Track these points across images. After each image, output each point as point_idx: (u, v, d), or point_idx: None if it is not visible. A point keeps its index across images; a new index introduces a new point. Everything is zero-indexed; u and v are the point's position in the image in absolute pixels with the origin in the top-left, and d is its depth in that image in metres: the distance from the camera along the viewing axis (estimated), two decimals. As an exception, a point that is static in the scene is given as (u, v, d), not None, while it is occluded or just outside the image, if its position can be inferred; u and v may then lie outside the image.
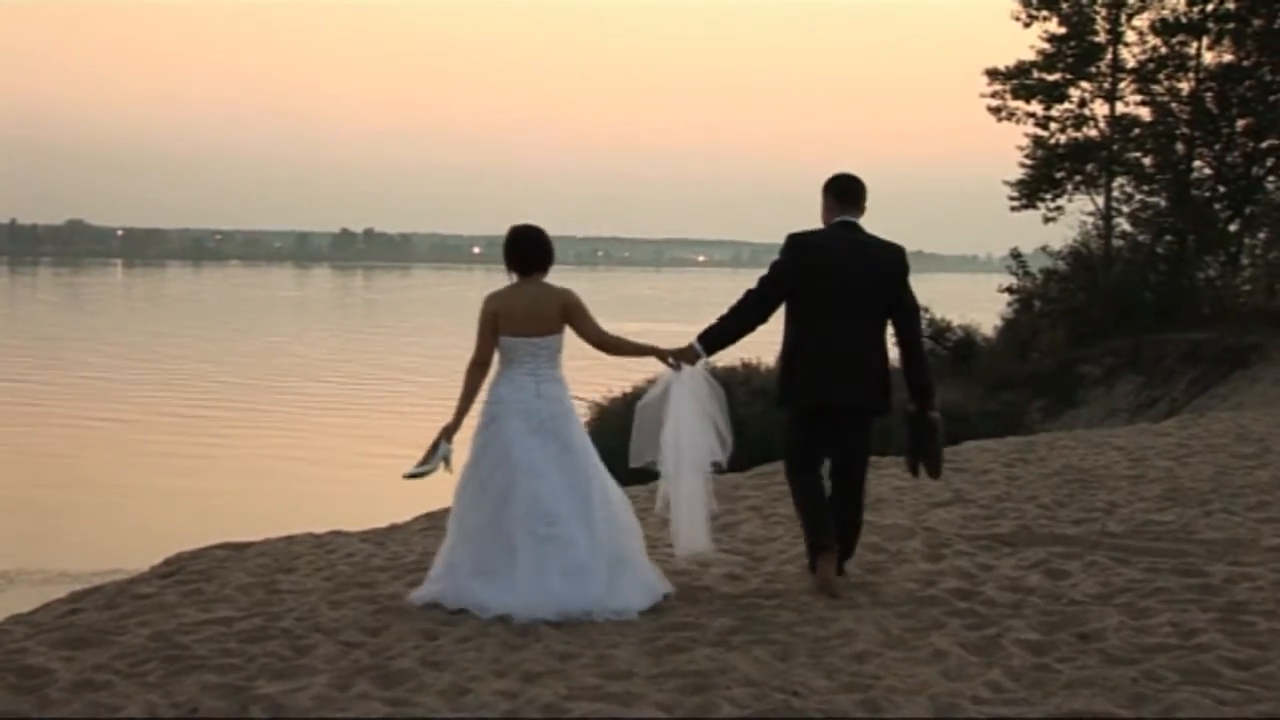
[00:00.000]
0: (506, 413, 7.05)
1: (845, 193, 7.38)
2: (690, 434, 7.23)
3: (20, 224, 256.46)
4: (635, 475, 7.70)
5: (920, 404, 7.48)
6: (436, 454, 7.17)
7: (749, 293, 7.36)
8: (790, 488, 7.53)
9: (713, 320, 7.41)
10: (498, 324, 7.12)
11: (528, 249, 7.23)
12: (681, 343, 7.49)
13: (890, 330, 7.46)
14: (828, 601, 7.15)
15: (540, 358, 7.12)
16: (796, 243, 7.37)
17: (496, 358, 7.19)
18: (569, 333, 7.25)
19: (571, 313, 7.18)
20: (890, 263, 7.34)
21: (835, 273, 7.22)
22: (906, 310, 7.40)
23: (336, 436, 29.70)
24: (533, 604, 6.79)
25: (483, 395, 7.21)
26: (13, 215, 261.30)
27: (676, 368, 7.33)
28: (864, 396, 7.34)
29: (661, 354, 7.39)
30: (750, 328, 7.38)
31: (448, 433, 7.17)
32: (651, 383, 7.76)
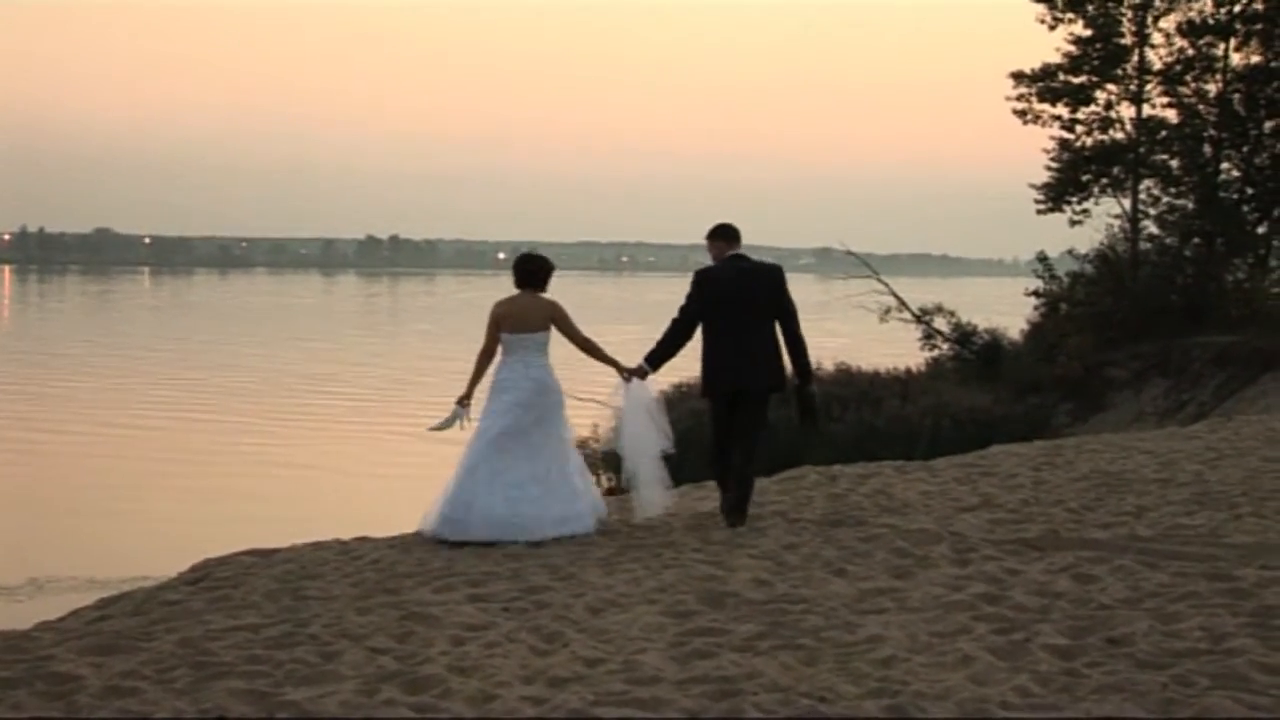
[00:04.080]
0: (503, 389, 9.37)
1: (730, 235, 9.82)
2: (643, 431, 9.51)
3: (49, 232, 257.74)
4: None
5: (803, 380, 9.93)
6: (453, 416, 9.56)
7: (675, 321, 9.72)
8: (712, 460, 9.72)
9: (653, 345, 9.71)
10: (500, 324, 9.45)
11: (523, 270, 9.63)
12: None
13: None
14: (854, 607, 7.15)
15: (530, 349, 9.41)
16: (703, 278, 9.73)
17: (500, 347, 9.45)
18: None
19: (557, 320, 9.48)
20: (771, 281, 9.69)
21: (733, 294, 9.59)
22: (787, 314, 9.67)
23: (362, 442, 29.77)
24: (485, 523, 8.97)
25: (490, 375, 9.48)
26: (41, 223, 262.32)
27: (629, 380, 9.60)
28: (765, 380, 9.63)
29: (620, 369, 9.64)
30: (681, 346, 9.75)
31: (461, 400, 9.55)
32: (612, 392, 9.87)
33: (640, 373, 9.66)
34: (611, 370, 9.73)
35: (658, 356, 9.73)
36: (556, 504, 9.16)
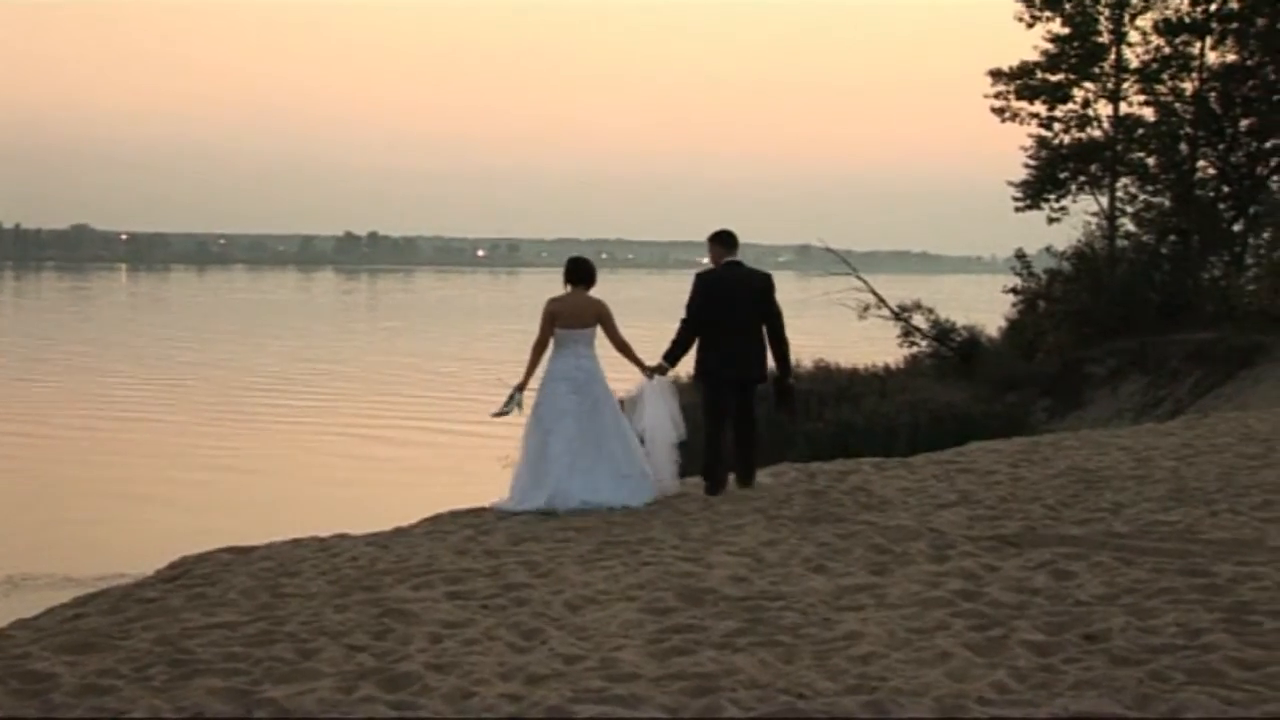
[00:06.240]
0: (556, 379, 10.45)
1: (728, 242, 11.13)
2: (660, 422, 10.68)
3: (25, 228, 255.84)
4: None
5: (783, 374, 11.18)
6: (511, 401, 10.53)
7: (684, 322, 11.04)
8: (705, 436, 10.86)
9: (667, 345, 11.01)
10: (554, 319, 10.48)
11: (576, 270, 10.74)
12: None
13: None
14: (833, 603, 7.16)
15: (580, 343, 10.51)
16: (703, 281, 10.98)
17: (552, 340, 10.52)
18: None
19: (602, 318, 10.62)
20: (761, 286, 11.00)
21: (728, 296, 10.89)
22: (773, 316, 11.00)
23: (339, 439, 29.71)
24: (561, 496, 10.06)
25: (543, 366, 10.57)
26: (17, 220, 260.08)
27: (650, 377, 10.84)
28: (751, 372, 10.97)
29: (644, 369, 10.88)
30: (692, 343, 11.01)
31: (519, 388, 10.60)
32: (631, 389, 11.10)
33: (660, 370, 10.94)
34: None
35: (673, 355, 11.07)
36: (619, 475, 10.27)
